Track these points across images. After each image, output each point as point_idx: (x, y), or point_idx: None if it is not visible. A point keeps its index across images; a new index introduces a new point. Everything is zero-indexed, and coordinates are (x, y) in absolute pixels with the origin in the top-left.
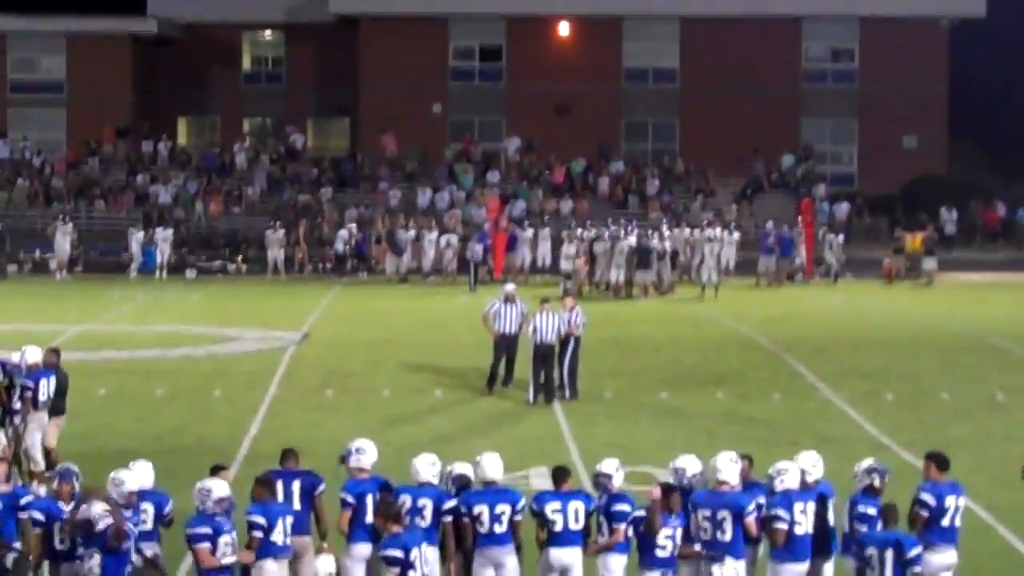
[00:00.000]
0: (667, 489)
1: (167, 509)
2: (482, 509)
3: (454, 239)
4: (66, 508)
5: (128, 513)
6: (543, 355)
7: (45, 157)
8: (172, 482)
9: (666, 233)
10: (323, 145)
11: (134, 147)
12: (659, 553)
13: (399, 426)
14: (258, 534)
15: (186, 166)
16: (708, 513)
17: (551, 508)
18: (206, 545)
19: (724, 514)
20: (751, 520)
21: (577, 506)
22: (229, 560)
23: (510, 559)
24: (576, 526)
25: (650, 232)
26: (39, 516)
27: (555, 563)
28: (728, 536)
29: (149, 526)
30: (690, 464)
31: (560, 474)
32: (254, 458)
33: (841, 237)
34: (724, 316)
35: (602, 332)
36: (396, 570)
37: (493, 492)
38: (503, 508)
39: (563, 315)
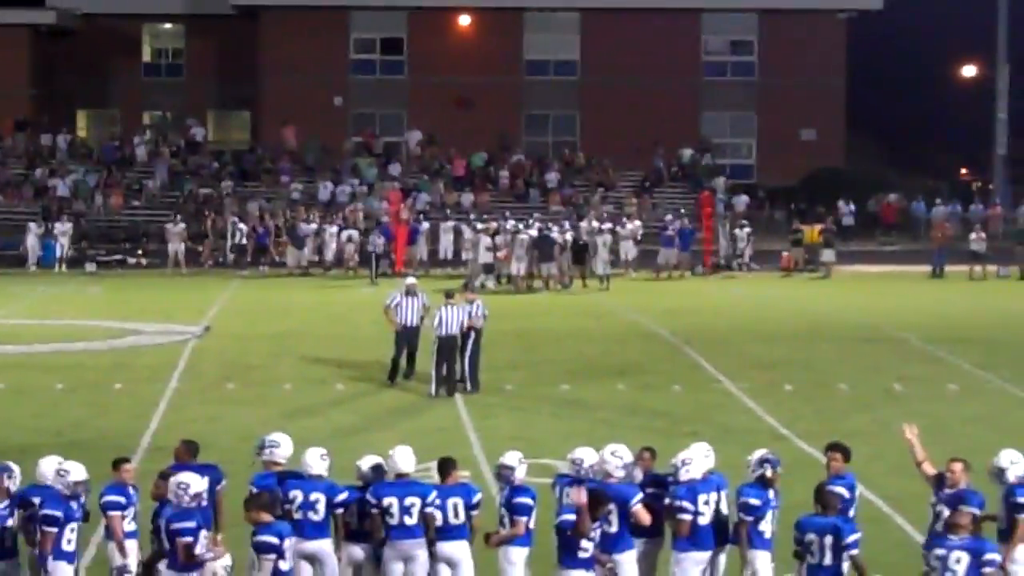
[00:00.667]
0: (595, 496)
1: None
2: (392, 501)
3: (355, 232)
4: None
5: (74, 504)
6: (447, 348)
7: None
8: None
9: (567, 226)
10: (224, 138)
11: (33, 140)
12: (581, 554)
13: (301, 419)
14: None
15: (86, 159)
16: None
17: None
18: (189, 539)
19: (610, 507)
20: (637, 509)
21: (456, 501)
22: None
23: (420, 552)
24: (456, 520)
25: (550, 224)
26: None
27: (441, 556)
28: (615, 528)
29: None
30: (587, 455)
31: (446, 466)
32: (156, 452)
33: (747, 230)
34: (625, 308)
35: (503, 324)
36: (271, 556)
37: (403, 484)
38: (413, 500)
39: (464, 308)
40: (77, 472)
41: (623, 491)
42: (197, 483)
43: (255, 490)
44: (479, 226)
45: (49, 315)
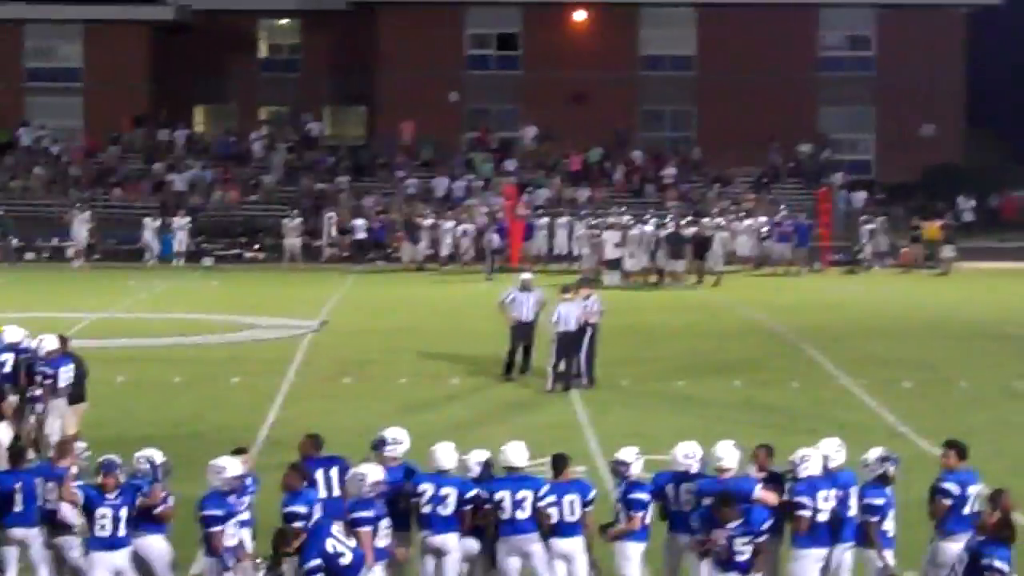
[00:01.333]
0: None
1: None
2: (504, 495)
3: (471, 227)
4: (110, 498)
5: (233, 499)
6: (565, 343)
7: (63, 145)
8: (189, 469)
9: (684, 222)
10: (340, 133)
11: (151, 135)
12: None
13: (416, 413)
14: (300, 524)
15: (203, 154)
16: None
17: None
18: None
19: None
20: (762, 495)
21: (572, 497)
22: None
23: (535, 547)
24: (571, 517)
25: (683, 221)
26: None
27: (556, 552)
28: None
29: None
30: (692, 450)
31: (560, 462)
32: (273, 445)
33: (872, 226)
34: (741, 304)
35: (619, 320)
36: (299, 525)
37: (515, 479)
38: (525, 494)
39: (581, 303)
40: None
41: (739, 484)
42: (375, 473)
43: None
44: (600, 221)
45: (167, 309)
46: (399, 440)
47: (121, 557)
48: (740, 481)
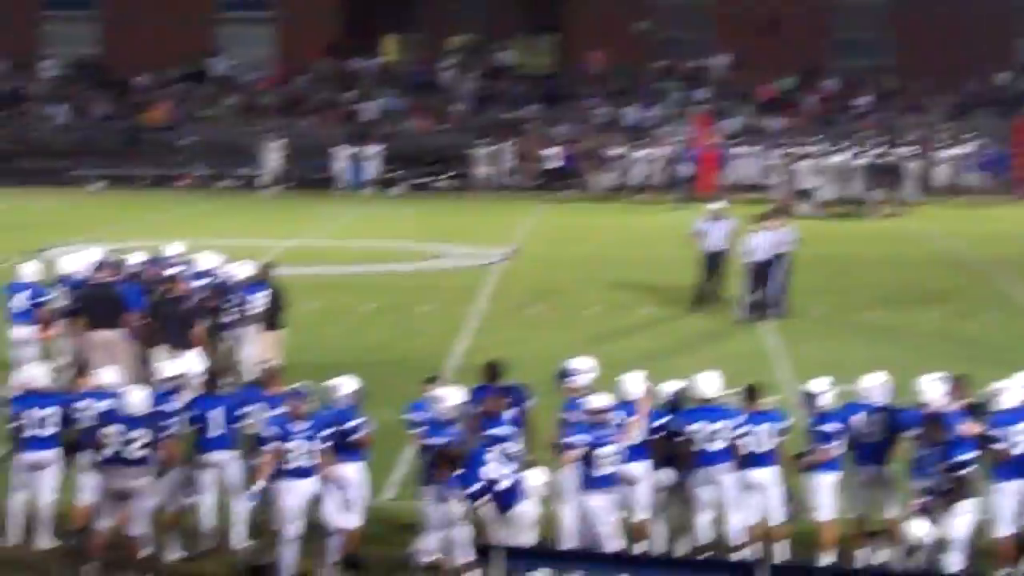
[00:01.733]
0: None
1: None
2: (697, 427)
3: (661, 156)
4: (299, 426)
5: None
6: (757, 273)
7: (254, 74)
8: (381, 397)
9: (878, 151)
10: (529, 62)
11: (341, 64)
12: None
13: (606, 343)
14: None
15: (393, 83)
16: (914, 433)
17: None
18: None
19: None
20: (964, 428)
21: (764, 427)
22: None
23: (726, 477)
24: (764, 447)
25: (879, 150)
26: (274, 429)
27: (749, 482)
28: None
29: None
30: (879, 381)
31: (753, 392)
32: (461, 374)
33: None
34: (937, 234)
35: (813, 250)
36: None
37: (708, 410)
38: (718, 426)
39: (774, 233)
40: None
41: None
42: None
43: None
44: (794, 150)
45: (358, 237)
46: (584, 370)
47: (312, 484)
48: (940, 415)
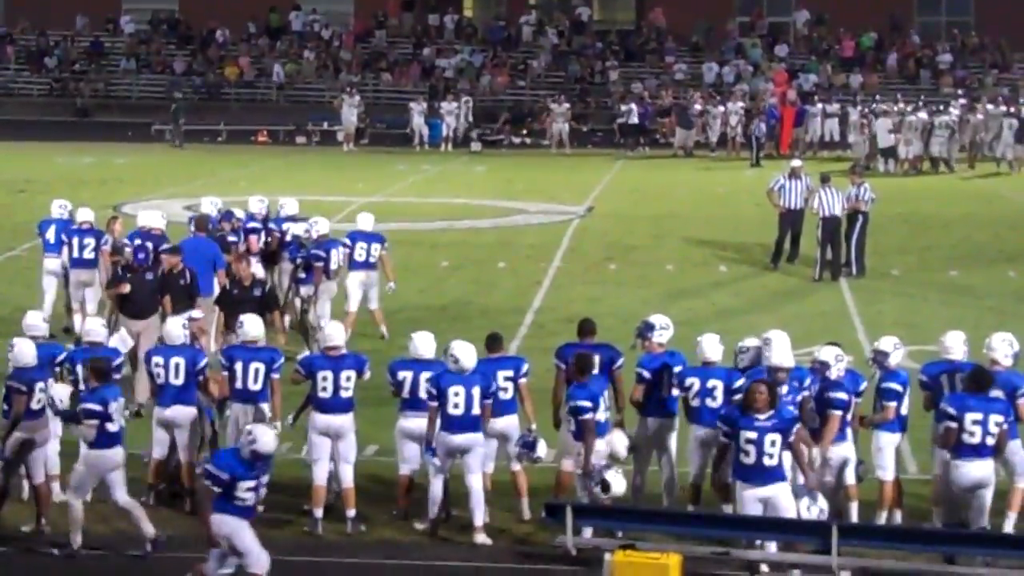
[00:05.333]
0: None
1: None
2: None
3: (740, 113)
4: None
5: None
6: (830, 230)
7: (333, 30)
8: None
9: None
10: (608, 17)
11: (420, 19)
12: None
13: (683, 300)
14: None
15: (472, 39)
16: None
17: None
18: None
19: (996, 393)
20: (1021, 403)
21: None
22: None
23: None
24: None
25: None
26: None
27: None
28: None
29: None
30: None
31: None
32: (538, 329)
33: None
34: (1016, 192)
35: (891, 208)
36: (587, 416)
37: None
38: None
39: (850, 190)
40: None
41: (1009, 379)
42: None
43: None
44: (875, 107)
45: (435, 193)
46: (665, 327)
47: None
48: (1011, 376)
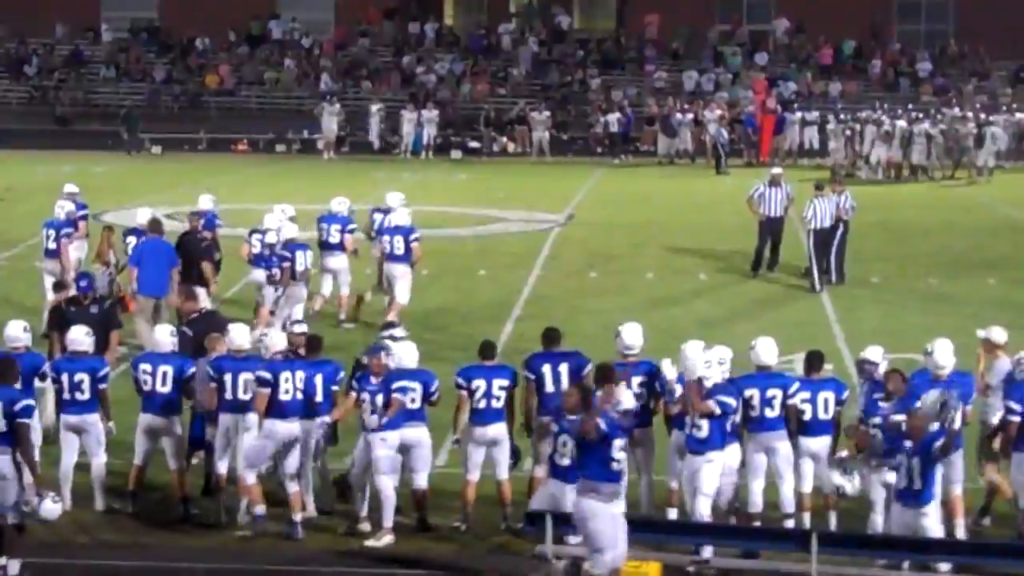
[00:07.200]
0: None
1: (433, 387)
2: (753, 393)
3: (719, 121)
4: (375, 383)
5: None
6: (821, 241)
7: (314, 38)
8: (437, 359)
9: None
10: (589, 26)
11: (401, 28)
12: None
13: (663, 308)
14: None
15: (452, 47)
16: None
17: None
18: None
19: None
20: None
21: (827, 395)
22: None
23: (782, 444)
24: (825, 416)
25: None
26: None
27: (806, 451)
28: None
29: (417, 405)
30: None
31: (815, 360)
32: (518, 338)
33: None
34: (996, 201)
35: (871, 216)
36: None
37: (766, 376)
38: (775, 392)
39: (835, 199)
40: None
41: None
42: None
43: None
44: (854, 115)
45: (415, 202)
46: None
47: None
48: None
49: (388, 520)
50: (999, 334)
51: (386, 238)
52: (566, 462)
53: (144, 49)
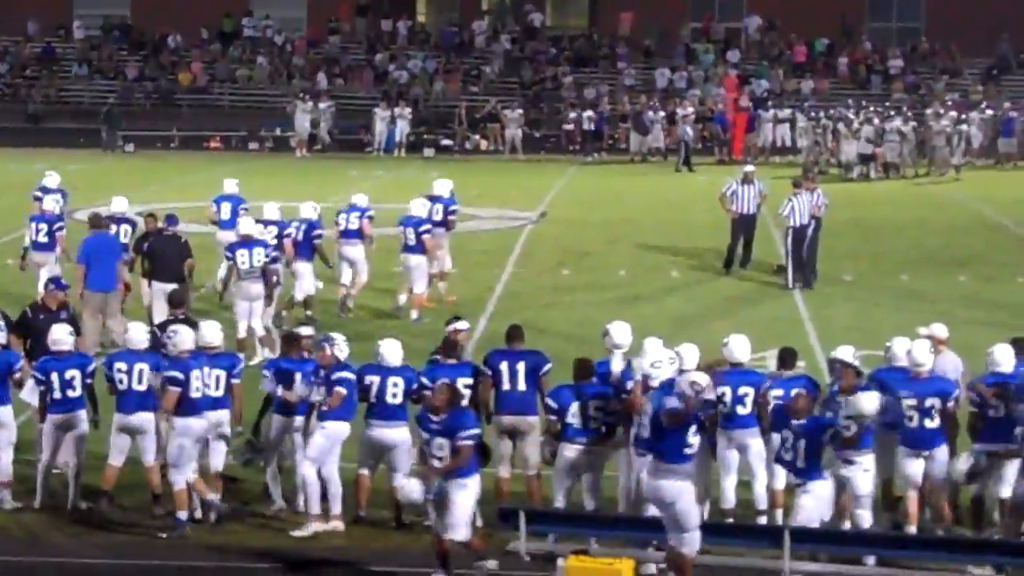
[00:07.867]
0: None
1: (415, 385)
2: (725, 390)
3: (692, 119)
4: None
5: None
6: (800, 238)
7: (286, 36)
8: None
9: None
10: (561, 23)
11: (374, 25)
12: None
13: (636, 306)
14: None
15: (425, 44)
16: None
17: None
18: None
19: (933, 401)
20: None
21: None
22: None
23: (754, 441)
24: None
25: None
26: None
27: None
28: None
29: (399, 400)
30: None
31: (788, 357)
32: (491, 336)
33: None
34: (968, 198)
35: (843, 214)
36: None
37: (738, 373)
38: (747, 390)
39: (809, 196)
40: None
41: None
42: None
43: None
44: (826, 113)
45: (388, 199)
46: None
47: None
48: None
49: (315, 508)
50: (941, 330)
51: (401, 228)
52: (435, 463)
53: (116, 47)
